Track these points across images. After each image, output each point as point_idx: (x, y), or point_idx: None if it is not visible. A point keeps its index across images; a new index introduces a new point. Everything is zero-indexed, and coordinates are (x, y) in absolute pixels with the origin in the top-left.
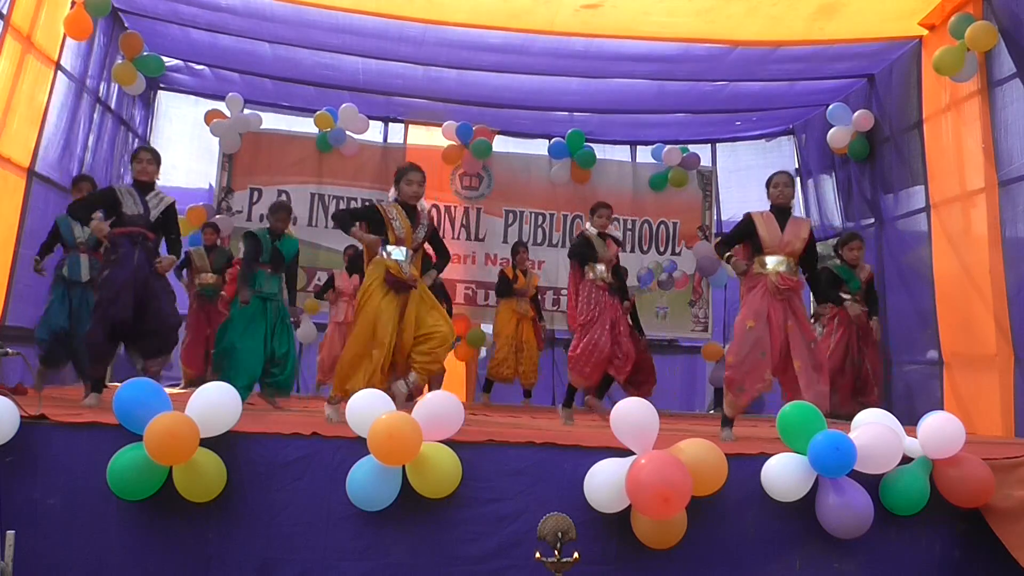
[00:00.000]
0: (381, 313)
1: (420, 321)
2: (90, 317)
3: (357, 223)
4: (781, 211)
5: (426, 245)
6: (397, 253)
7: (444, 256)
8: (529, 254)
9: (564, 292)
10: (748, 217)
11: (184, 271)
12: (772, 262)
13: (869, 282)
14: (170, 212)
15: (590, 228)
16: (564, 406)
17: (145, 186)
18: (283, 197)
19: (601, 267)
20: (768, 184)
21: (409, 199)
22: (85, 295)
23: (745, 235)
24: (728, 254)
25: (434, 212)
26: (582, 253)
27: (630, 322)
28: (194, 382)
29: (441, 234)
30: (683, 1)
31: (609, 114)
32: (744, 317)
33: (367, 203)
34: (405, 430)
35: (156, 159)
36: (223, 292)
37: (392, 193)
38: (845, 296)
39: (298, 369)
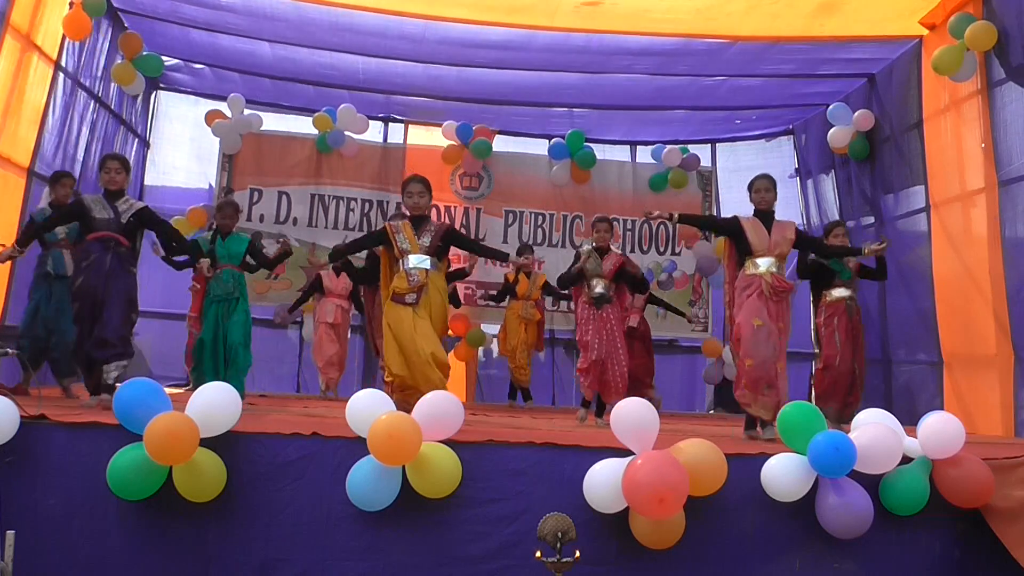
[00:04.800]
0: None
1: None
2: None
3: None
4: (765, 215)
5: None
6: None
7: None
8: (535, 255)
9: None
10: (736, 219)
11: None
12: (764, 264)
13: (857, 269)
14: (145, 214)
15: (584, 245)
16: (582, 405)
17: (114, 194)
18: (283, 198)
19: (594, 282)
20: (750, 189)
21: (411, 210)
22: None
23: (726, 231)
24: (681, 222)
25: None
26: (571, 276)
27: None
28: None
29: None
30: None
31: (608, 110)
32: (748, 316)
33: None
34: (405, 430)
35: (125, 167)
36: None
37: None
38: (839, 289)
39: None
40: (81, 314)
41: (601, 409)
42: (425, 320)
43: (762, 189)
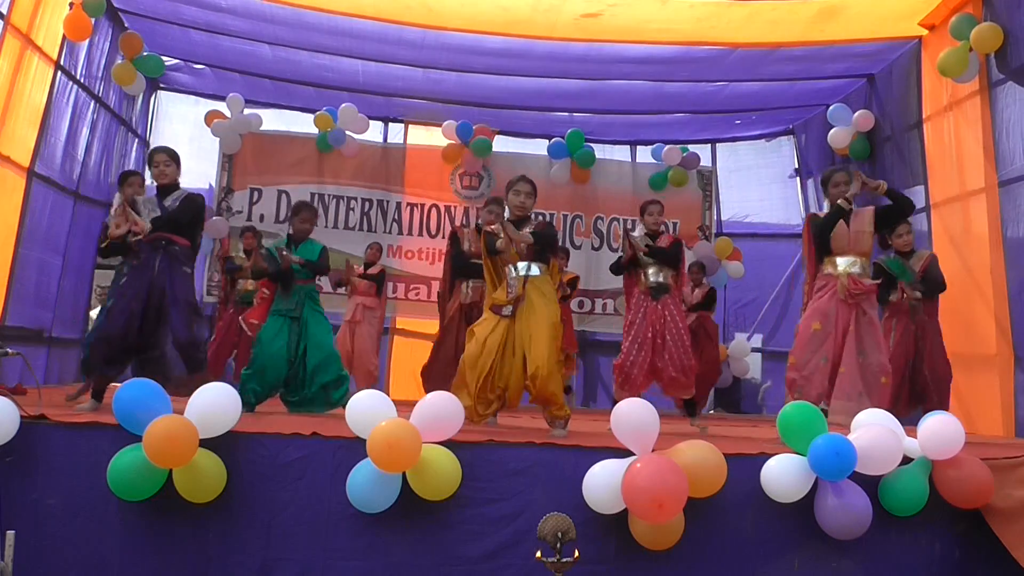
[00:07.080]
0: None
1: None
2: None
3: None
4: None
5: None
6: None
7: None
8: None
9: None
10: (813, 218)
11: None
12: (843, 263)
13: (926, 269)
14: (187, 202)
15: (637, 231)
16: None
17: (165, 189)
18: (283, 197)
19: (651, 271)
20: (825, 183)
21: (516, 211)
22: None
23: (821, 234)
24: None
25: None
26: (628, 257)
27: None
28: None
29: (441, 234)
30: (683, 8)
31: (609, 115)
32: (809, 319)
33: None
34: (404, 438)
35: (173, 158)
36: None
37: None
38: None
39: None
40: (107, 313)
41: (692, 408)
42: (525, 329)
43: (841, 183)
